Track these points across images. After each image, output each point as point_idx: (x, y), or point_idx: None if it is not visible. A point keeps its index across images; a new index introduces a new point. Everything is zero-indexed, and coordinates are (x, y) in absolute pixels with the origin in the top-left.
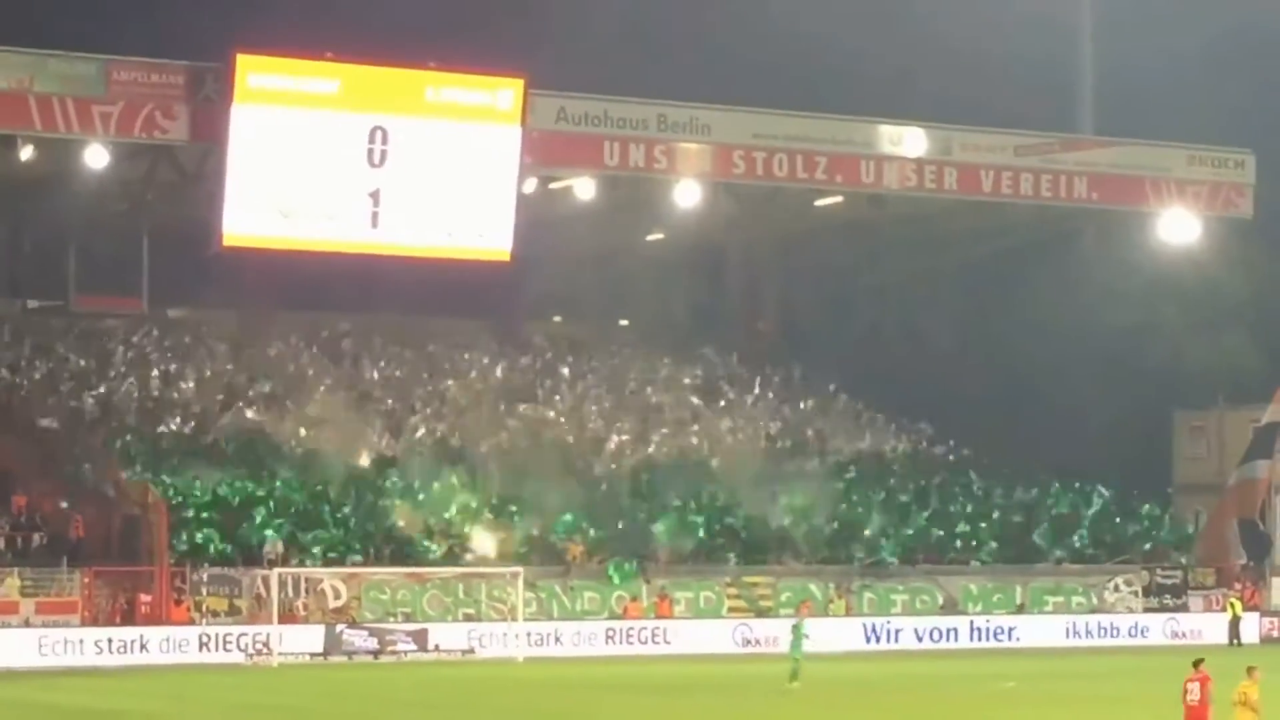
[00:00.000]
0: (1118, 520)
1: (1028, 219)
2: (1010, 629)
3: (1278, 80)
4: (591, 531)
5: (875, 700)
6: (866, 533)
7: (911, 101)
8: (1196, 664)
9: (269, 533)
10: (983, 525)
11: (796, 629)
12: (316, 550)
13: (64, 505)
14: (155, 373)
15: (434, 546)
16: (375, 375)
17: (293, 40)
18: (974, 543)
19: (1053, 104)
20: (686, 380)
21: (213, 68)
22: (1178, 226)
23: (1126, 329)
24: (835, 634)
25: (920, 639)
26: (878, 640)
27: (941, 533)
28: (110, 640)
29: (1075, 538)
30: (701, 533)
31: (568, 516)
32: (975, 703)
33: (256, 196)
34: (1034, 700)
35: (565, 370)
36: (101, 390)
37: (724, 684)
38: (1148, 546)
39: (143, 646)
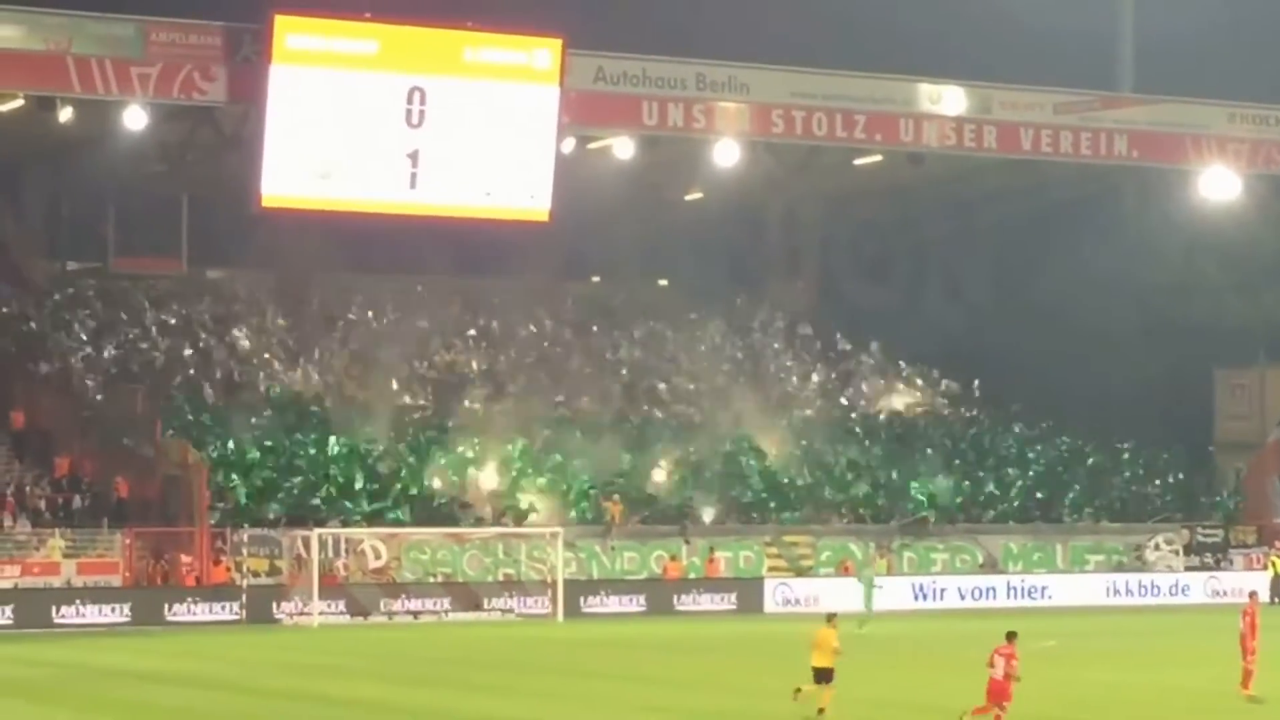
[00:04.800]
0: (1158, 478)
1: (1067, 177)
2: (1049, 588)
3: None
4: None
5: (920, 657)
6: (905, 492)
7: (951, 59)
8: (1009, 636)
9: (318, 500)
10: (1022, 483)
11: (868, 579)
12: (358, 511)
13: (105, 467)
14: (194, 334)
15: (480, 509)
16: (413, 335)
17: (331, 0)
18: (1014, 501)
19: (1092, 61)
20: (725, 340)
21: (251, 28)
22: (1218, 184)
23: (1167, 287)
24: (885, 593)
25: (963, 597)
26: (925, 599)
27: (981, 491)
28: (150, 600)
29: (1116, 496)
30: (739, 494)
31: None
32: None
33: (295, 157)
34: (1076, 659)
35: (603, 330)
36: (141, 351)
37: (762, 642)
38: (1188, 504)
39: (183, 607)
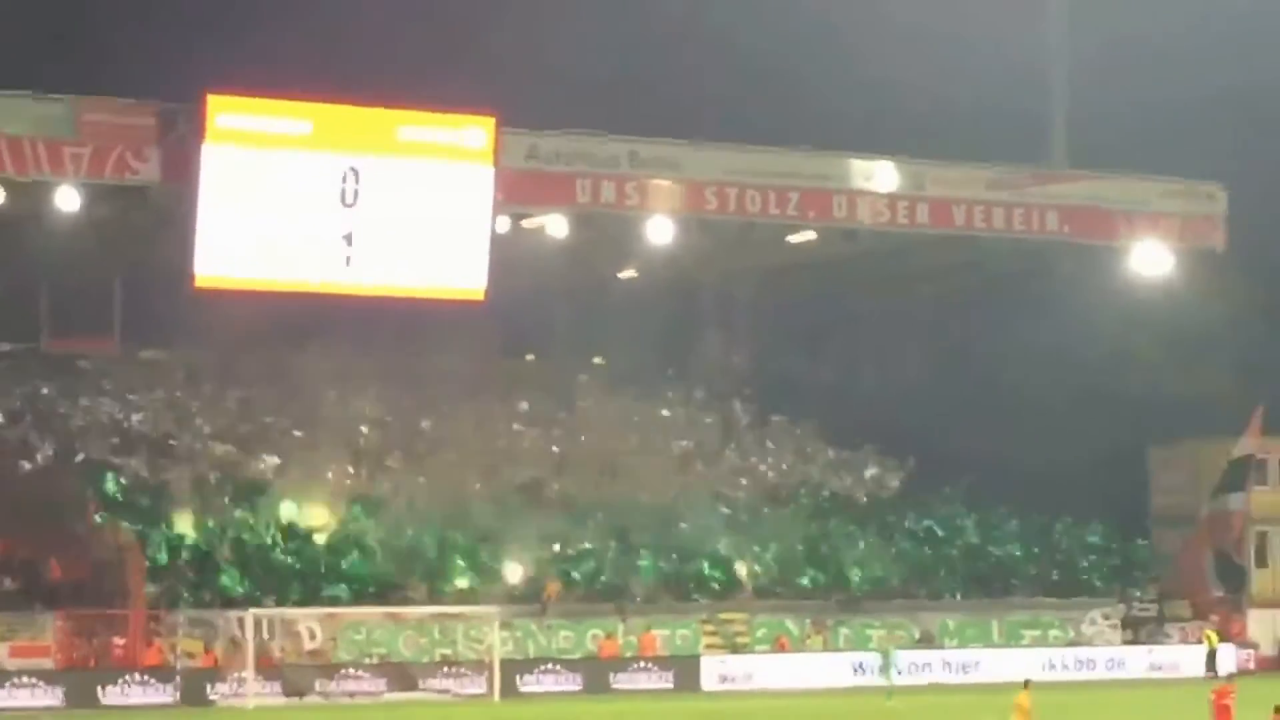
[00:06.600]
0: (1094, 553)
1: (1001, 252)
2: (983, 663)
3: (1249, 113)
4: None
5: None
6: (841, 568)
7: (885, 137)
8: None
9: (254, 580)
10: (958, 559)
11: (886, 655)
12: (293, 591)
13: (39, 549)
14: (128, 414)
15: (415, 589)
16: (351, 414)
17: (264, 80)
18: (950, 576)
19: (1025, 138)
20: (660, 417)
21: (184, 108)
22: (1151, 259)
23: (1102, 361)
24: (823, 669)
25: (900, 673)
26: (864, 674)
27: (917, 567)
28: (83, 683)
29: (1052, 570)
30: (675, 572)
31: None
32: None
33: (229, 237)
34: None
35: (536, 409)
36: (74, 432)
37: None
38: (1124, 579)
39: (117, 689)
